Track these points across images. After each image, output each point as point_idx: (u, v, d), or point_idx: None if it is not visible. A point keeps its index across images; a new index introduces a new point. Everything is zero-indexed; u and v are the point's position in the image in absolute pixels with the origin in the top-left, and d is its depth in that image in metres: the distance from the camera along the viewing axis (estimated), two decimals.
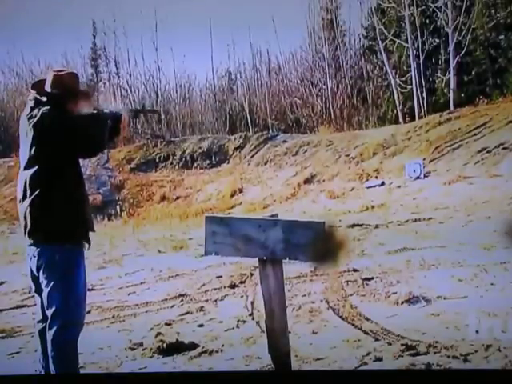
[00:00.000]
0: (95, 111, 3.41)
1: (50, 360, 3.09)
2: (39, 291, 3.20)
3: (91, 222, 3.35)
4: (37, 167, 3.11)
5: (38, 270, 3.15)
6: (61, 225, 3.12)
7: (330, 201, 13.47)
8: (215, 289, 6.05)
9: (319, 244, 3.12)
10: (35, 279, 3.20)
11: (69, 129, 3.09)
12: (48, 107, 3.15)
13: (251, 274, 6.31)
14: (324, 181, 14.93)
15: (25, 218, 3.15)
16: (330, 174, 15.16)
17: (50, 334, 3.09)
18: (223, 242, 3.27)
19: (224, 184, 16.11)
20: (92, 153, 3.41)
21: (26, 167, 3.16)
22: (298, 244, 3.13)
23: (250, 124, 20.54)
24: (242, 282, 6.18)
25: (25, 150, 3.17)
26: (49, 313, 3.12)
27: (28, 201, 3.13)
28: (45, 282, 3.12)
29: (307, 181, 15.15)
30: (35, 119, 3.11)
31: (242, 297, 5.69)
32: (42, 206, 3.11)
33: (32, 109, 3.19)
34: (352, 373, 3.54)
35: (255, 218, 3.57)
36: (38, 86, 3.31)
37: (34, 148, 3.11)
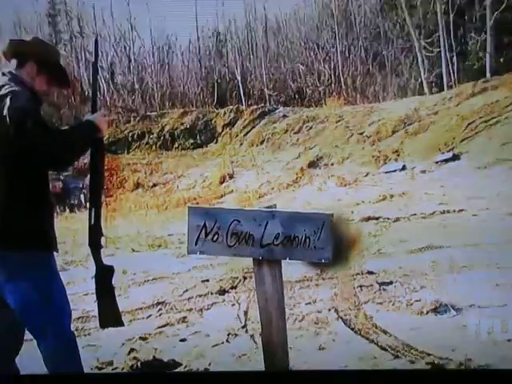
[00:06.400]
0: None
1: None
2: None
3: (54, 240, 3.27)
4: None
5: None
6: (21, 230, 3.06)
7: (340, 189, 13.49)
8: (200, 296, 6.07)
9: None
10: None
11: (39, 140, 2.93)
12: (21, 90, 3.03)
13: (244, 278, 6.36)
14: (333, 164, 14.95)
15: None
16: (340, 156, 15.17)
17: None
18: (210, 239, 3.27)
19: (211, 168, 16.12)
20: (54, 169, 3.43)
21: None
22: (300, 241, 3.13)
23: (242, 95, 20.50)
24: (232, 288, 6.22)
25: None
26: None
27: None
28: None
29: (312, 164, 15.17)
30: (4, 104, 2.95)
31: (233, 305, 5.72)
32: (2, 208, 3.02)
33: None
34: (349, 373, 3.60)
35: (249, 209, 3.57)
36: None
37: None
